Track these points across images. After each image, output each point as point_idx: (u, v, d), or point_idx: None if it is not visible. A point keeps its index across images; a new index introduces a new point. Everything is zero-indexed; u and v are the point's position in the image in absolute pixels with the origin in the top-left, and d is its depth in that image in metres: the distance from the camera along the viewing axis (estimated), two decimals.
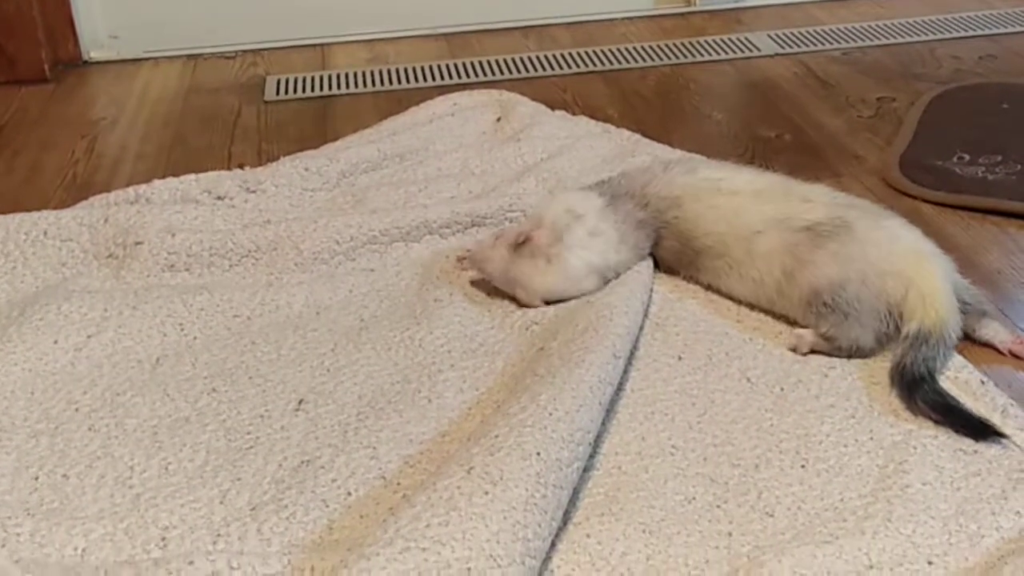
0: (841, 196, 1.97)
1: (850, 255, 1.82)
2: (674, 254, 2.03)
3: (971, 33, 3.34)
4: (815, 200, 1.93)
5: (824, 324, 1.81)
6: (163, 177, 2.40)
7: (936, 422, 1.65)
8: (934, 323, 1.75)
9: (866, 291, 1.79)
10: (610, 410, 1.67)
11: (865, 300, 1.79)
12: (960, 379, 1.72)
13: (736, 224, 1.93)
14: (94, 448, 1.64)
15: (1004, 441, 1.59)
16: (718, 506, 1.50)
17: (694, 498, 1.52)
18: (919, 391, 1.68)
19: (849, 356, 1.81)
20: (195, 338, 1.91)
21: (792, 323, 1.89)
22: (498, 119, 2.73)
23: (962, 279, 1.87)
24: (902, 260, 1.81)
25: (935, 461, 1.56)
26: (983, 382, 1.71)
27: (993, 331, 1.85)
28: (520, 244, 1.96)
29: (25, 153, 2.75)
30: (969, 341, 1.84)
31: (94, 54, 3.38)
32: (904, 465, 1.55)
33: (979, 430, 1.61)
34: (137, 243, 2.11)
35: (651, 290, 1.98)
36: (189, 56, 3.40)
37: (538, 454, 1.45)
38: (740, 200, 1.97)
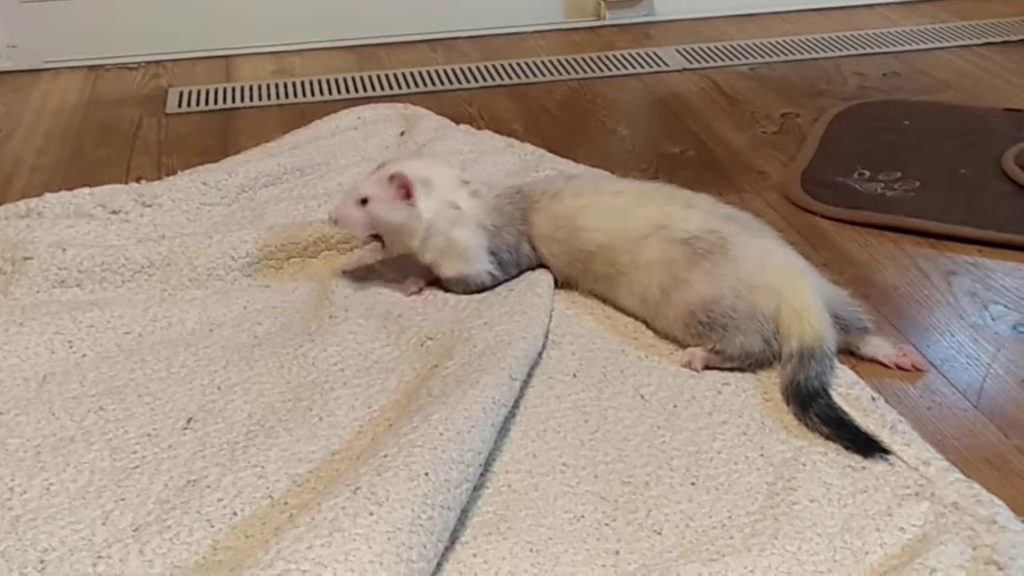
0: (723, 207, 1.98)
1: (723, 273, 1.83)
2: (564, 258, 2.03)
3: (876, 50, 3.37)
4: (696, 207, 1.95)
5: (708, 340, 1.83)
6: (58, 191, 2.36)
7: (826, 437, 1.65)
8: (813, 338, 1.76)
9: (740, 303, 1.81)
10: (502, 428, 1.66)
11: (740, 310, 1.81)
12: (852, 396, 1.73)
13: (624, 225, 1.95)
14: None
15: (891, 458, 1.59)
16: (607, 524, 1.49)
17: (583, 516, 1.51)
18: (814, 405, 1.69)
19: (743, 366, 1.81)
20: (84, 355, 1.88)
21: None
22: (402, 133, 2.72)
23: (840, 294, 1.89)
24: (772, 275, 1.83)
25: (823, 478, 1.56)
26: (874, 398, 1.72)
27: (875, 346, 1.86)
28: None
29: None
30: (856, 358, 1.85)
31: None
32: (793, 482, 1.55)
33: (866, 446, 1.62)
34: (26, 258, 2.07)
35: (551, 312, 1.97)
36: (91, 67, 3.36)
37: (426, 474, 1.44)
38: (625, 200, 1.99)
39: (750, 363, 1.81)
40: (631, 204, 1.97)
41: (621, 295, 1.97)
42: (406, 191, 1.98)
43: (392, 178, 1.98)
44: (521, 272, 2.06)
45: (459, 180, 2.06)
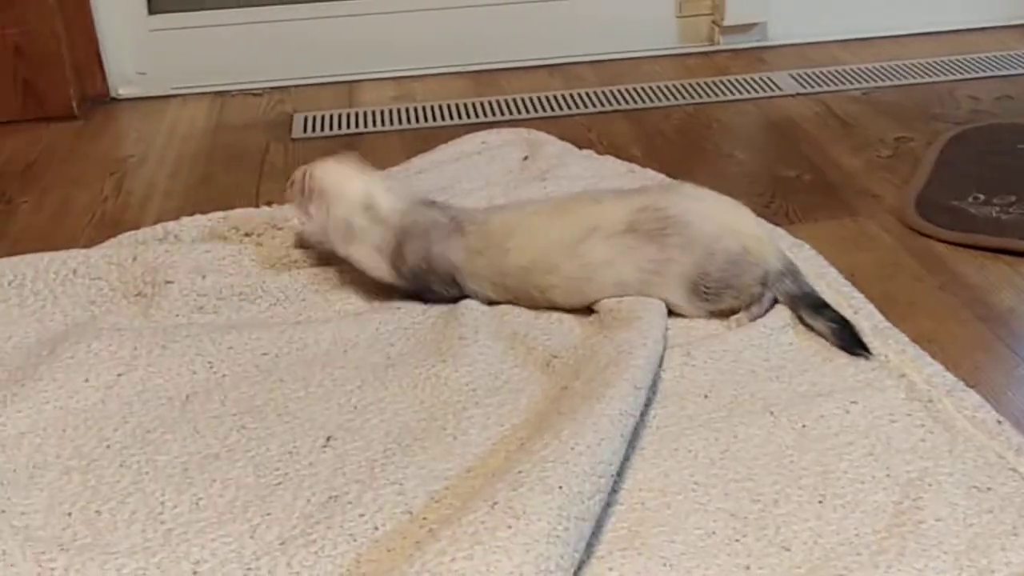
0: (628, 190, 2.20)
1: (689, 240, 1.99)
2: (488, 276, 2.11)
3: (989, 74, 3.36)
4: (604, 200, 2.08)
5: (723, 301, 2.02)
6: (191, 214, 2.44)
7: (823, 335, 1.96)
8: (782, 255, 2.04)
9: (719, 258, 1.98)
10: (636, 447, 1.70)
11: (725, 263, 1.98)
12: (977, 418, 1.74)
13: (551, 238, 2.06)
14: (125, 484, 1.67)
15: (1017, 480, 1.61)
16: (737, 540, 1.52)
17: (714, 532, 1.54)
18: (825, 312, 1.97)
19: (766, 296, 2.02)
20: (224, 376, 1.93)
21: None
22: (525, 158, 2.75)
23: None
24: (721, 216, 2.02)
25: (949, 498, 1.58)
26: (999, 421, 1.73)
27: None
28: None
29: (54, 191, 2.78)
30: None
31: (122, 91, 3.43)
32: (919, 502, 1.57)
33: (858, 346, 1.92)
34: (167, 282, 2.14)
35: (666, 320, 2.01)
36: (217, 93, 3.44)
37: (560, 488, 1.48)
38: (544, 217, 2.10)
39: (766, 289, 2.01)
40: (549, 219, 2.08)
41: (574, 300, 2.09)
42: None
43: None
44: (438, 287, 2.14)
45: (363, 206, 2.10)
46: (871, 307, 2.05)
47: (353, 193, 2.11)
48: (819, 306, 1.99)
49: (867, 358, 1.90)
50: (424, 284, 2.12)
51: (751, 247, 1.99)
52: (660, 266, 2.00)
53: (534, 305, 2.09)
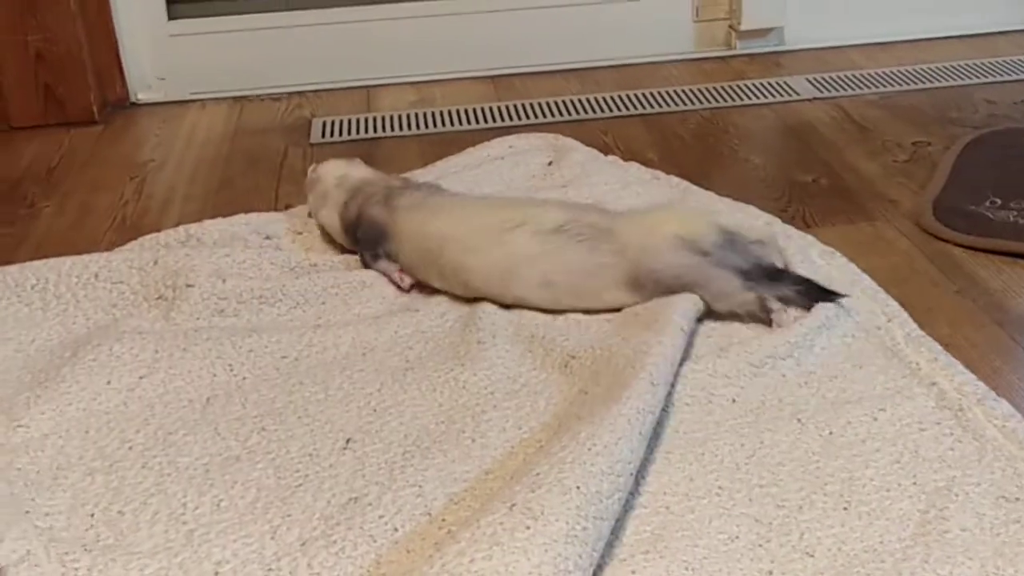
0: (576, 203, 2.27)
1: (624, 245, 2.03)
2: (412, 242, 2.17)
3: (1008, 78, 3.35)
4: (548, 204, 2.17)
5: (702, 289, 2.01)
6: (212, 218, 2.45)
7: (797, 293, 2.01)
8: (720, 232, 2.03)
9: (665, 257, 2.01)
10: (661, 450, 1.70)
11: (673, 259, 2.01)
12: (1008, 428, 1.72)
13: (475, 224, 2.12)
14: (148, 485, 1.67)
15: None
16: (760, 545, 1.52)
17: (738, 537, 1.54)
18: (783, 280, 2.01)
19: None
20: (244, 378, 1.94)
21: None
22: (549, 163, 2.75)
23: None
24: (646, 214, 2.11)
25: (976, 508, 1.57)
26: None
27: None
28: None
29: (75, 195, 2.80)
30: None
31: (142, 96, 3.44)
32: (945, 511, 1.56)
33: (828, 294, 1.99)
34: (188, 286, 2.14)
35: (690, 321, 2.00)
36: (236, 98, 3.45)
37: (578, 488, 1.48)
38: (478, 205, 2.21)
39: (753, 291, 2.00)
40: (488, 207, 2.17)
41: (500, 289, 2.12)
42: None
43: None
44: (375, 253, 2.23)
45: (337, 178, 2.34)
46: (905, 315, 2.04)
47: (335, 171, 2.36)
48: (775, 273, 2.03)
49: (839, 304, 1.99)
50: (358, 239, 2.25)
51: (680, 232, 2.01)
52: (594, 268, 2.03)
53: (447, 287, 2.15)
